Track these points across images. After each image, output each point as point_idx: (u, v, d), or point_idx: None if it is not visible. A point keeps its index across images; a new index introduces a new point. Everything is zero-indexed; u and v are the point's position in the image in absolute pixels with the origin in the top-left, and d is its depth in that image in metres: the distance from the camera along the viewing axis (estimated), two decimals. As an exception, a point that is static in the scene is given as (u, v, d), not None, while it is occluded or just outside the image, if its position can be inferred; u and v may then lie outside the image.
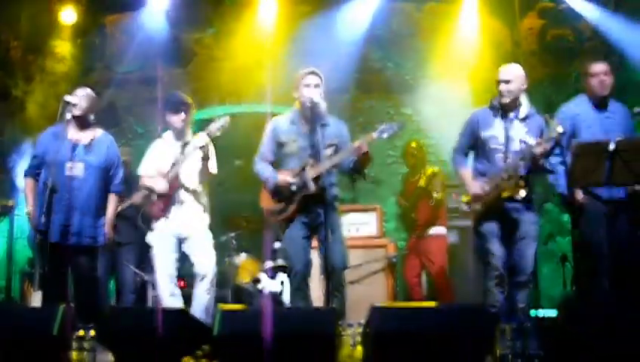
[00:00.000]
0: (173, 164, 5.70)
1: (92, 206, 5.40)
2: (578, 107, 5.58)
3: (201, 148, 5.54)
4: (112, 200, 5.58)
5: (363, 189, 8.29)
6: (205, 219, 5.79)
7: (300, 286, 5.11)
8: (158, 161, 5.84)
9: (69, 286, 5.43)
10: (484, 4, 8.79)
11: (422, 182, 7.16)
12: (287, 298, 6.80)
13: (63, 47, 9.23)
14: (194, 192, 5.75)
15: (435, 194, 7.05)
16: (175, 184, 5.70)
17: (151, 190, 5.77)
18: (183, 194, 5.73)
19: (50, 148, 5.31)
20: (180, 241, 5.72)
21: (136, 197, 6.93)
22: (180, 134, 5.86)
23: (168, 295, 5.65)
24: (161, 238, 5.74)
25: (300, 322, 4.16)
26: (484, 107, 5.42)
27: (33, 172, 5.45)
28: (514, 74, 5.27)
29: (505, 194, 5.05)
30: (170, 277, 5.69)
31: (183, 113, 5.81)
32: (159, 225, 5.75)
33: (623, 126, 5.50)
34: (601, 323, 3.98)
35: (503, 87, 5.22)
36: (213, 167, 5.76)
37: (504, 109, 5.26)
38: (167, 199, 5.73)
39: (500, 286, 5.11)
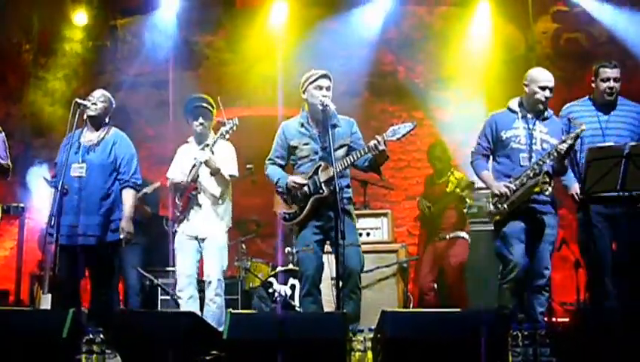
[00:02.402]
0: (194, 166, 5.75)
1: (97, 205, 5.37)
2: (580, 111, 5.52)
3: (205, 163, 5.58)
4: (127, 195, 5.51)
5: (374, 194, 8.27)
6: (221, 225, 5.81)
7: (311, 291, 5.09)
8: (183, 165, 5.91)
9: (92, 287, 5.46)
10: (498, 7, 8.78)
11: (450, 187, 7.11)
12: (297, 302, 6.78)
13: (75, 50, 9.25)
14: (212, 197, 5.75)
15: (469, 201, 7.06)
16: (194, 185, 5.73)
17: (174, 188, 5.90)
18: (201, 198, 5.76)
19: (62, 153, 5.35)
20: (199, 243, 5.77)
21: (149, 188, 7.11)
22: (200, 138, 5.88)
23: (187, 297, 5.71)
24: (181, 240, 5.82)
25: (310, 326, 4.14)
26: (501, 110, 5.42)
27: (55, 181, 5.46)
28: (553, 81, 5.27)
29: (536, 189, 4.99)
30: (189, 278, 5.74)
31: (200, 118, 5.82)
32: (181, 228, 5.81)
33: (630, 127, 5.46)
34: (614, 330, 3.95)
35: (547, 93, 5.20)
36: (231, 169, 5.79)
37: (530, 112, 5.25)
38: (186, 201, 5.77)
39: (515, 290, 5.08)
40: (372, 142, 4.90)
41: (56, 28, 9.20)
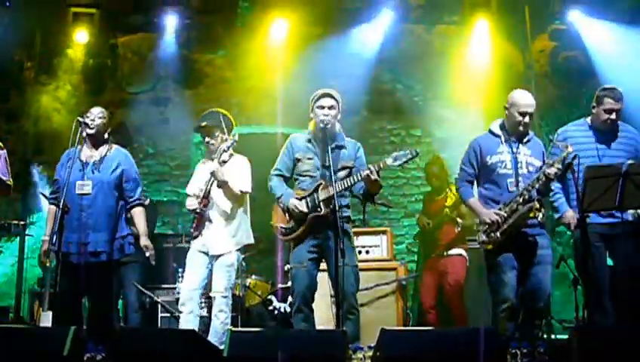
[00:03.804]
0: (207, 183, 5.75)
1: (104, 222, 5.39)
2: (578, 134, 5.46)
3: (211, 174, 5.61)
4: (139, 213, 5.57)
5: (373, 211, 8.30)
6: (232, 242, 5.75)
7: (301, 308, 5.10)
8: (199, 182, 5.89)
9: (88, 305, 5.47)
10: (496, 26, 8.83)
11: (449, 202, 7.13)
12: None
13: (76, 68, 9.29)
14: (224, 213, 5.75)
15: (459, 221, 7.07)
16: (205, 202, 5.73)
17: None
18: (213, 213, 5.76)
19: (63, 170, 5.36)
20: (210, 259, 5.74)
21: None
22: (211, 155, 5.87)
23: (187, 312, 5.66)
24: (192, 255, 5.80)
25: (309, 345, 4.15)
26: (484, 133, 5.37)
27: (53, 198, 5.52)
28: (535, 105, 5.19)
29: (531, 215, 4.94)
30: (191, 293, 5.68)
31: (207, 137, 5.88)
32: (194, 243, 5.82)
33: (628, 155, 5.38)
34: (613, 347, 3.96)
35: (527, 119, 5.11)
36: (242, 184, 5.76)
37: (512, 135, 5.21)
38: (201, 217, 5.77)
39: (511, 317, 5.02)
40: (365, 172, 4.91)
41: (58, 45, 9.24)
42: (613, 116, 5.38)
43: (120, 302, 7.36)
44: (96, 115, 5.50)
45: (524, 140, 5.22)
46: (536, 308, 5.06)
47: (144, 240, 5.53)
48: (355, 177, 5.01)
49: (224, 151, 5.66)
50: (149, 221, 7.51)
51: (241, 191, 5.76)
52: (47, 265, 5.56)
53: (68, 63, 9.24)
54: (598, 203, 4.97)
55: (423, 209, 7.63)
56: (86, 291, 5.42)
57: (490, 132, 5.30)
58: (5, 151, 5.67)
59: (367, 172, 4.89)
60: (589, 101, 5.65)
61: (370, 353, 4.41)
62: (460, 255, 7.16)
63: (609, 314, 5.16)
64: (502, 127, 5.26)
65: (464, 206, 7.06)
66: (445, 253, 7.14)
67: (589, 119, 5.54)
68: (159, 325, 7.14)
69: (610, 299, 5.24)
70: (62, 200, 5.03)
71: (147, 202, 7.39)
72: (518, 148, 5.18)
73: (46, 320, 6.98)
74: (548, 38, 9.24)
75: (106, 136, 5.57)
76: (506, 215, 5.03)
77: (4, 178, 5.55)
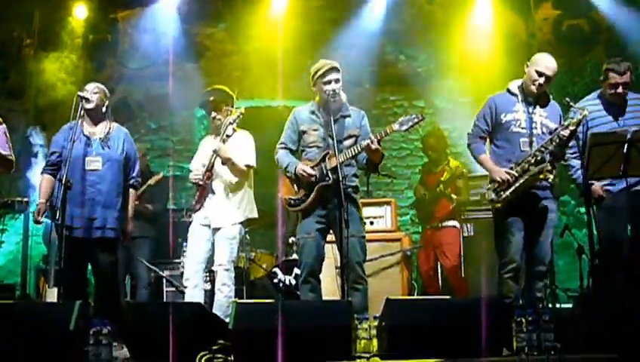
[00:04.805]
0: (210, 157, 5.72)
1: (114, 199, 5.41)
2: (590, 108, 5.35)
3: (214, 151, 5.59)
4: (131, 195, 5.58)
5: (377, 183, 8.29)
6: (236, 215, 5.72)
7: (308, 279, 5.11)
8: (203, 157, 5.87)
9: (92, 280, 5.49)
10: (498, -6, 8.76)
11: (444, 177, 7.14)
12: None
13: (76, 44, 9.25)
14: (229, 184, 5.72)
15: (454, 197, 7.07)
16: (209, 174, 5.71)
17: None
18: (216, 185, 5.73)
19: (65, 144, 5.33)
20: (212, 232, 5.72)
21: (152, 180, 7.21)
22: (217, 130, 5.84)
23: (192, 286, 5.65)
24: (194, 228, 5.78)
25: (315, 315, 4.16)
26: (502, 92, 5.30)
27: (50, 169, 5.49)
28: (555, 71, 5.13)
29: (541, 177, 4.90)
30: (196, 266, 5.68)
31: (212, 112, 5.84)
32: (195, 215, 5.80)
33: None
34: (617, 316, 3.96)
35: (542, 80, 5.03)
36: (247, 159, 5.73)
37: (528, 96, 5.15)
38: (203, 189, 5.75)
39: (515, 278, 5.04)
40: (365, 142, 4.91)
41: (57, 22, 9.19)
42: (620, 90, 5.33)
43: (128, 277, 7.43)
44: (91, 91, 5.46)
45: (542, 102, 5.16)
46: (537, 272, 5.07)
47: (129, 221, 5.55)
48: (357, 147, 4.99)
49: (230, 124, 5.65)
50: (163, 198, 7.64)
51: (247, 166, 5.74)
52: (41, 220, 5.51)
53: (68, 39, 9.19)
54: (603, 170, 4.96)
55: (421, 179, 7.64)
56: (92, 267, 5.44)
57: (508, 91, 5.25)
58: (5, 126, 5.60)
59: (367, 142, 4.88)
60: (592, 70, 5.66)
61: (376, 323, 4.42)
62: (454, 226, 7.22)
63: (618, 285, 5.15)
64: (520, 87, 5.20)
65: (460, 181, 7.14)
66: (439, 225, 7.16)
67: (599, 92, 5.51)
68: (165, 299, 7.17)
69: (620, 271, 5.24)
70: (65, 176, 5.02)
71: (161, 176, 7.46)
72: (534, 109, 5.12)
73: (52, 296, 7.02)
74: (551, 7, 9.14)
75: (104, 110, 5.54)
76: (517, 174, 4.99)
77: (4, 152, 5.48)
